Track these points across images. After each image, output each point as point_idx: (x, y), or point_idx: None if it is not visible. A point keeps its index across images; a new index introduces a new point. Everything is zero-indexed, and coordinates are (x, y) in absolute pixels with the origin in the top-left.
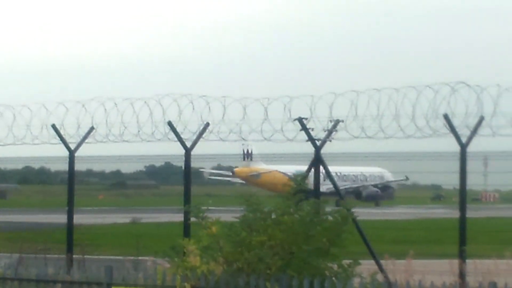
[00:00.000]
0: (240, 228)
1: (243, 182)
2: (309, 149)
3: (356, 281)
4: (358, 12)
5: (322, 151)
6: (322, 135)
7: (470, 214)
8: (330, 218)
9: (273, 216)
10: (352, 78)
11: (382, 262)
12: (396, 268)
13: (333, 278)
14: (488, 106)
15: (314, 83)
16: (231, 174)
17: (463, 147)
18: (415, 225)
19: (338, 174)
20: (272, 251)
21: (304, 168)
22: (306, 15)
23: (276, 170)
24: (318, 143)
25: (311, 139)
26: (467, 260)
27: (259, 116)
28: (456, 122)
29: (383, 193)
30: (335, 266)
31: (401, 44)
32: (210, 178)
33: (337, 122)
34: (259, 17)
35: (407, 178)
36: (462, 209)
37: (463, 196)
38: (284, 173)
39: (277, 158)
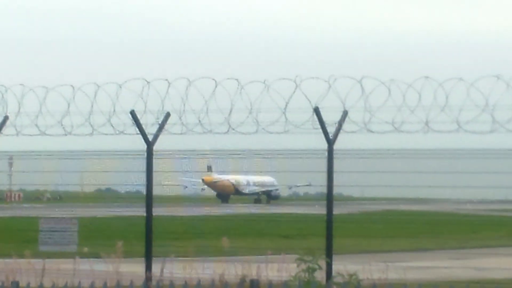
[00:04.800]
0: None
1: (208, 186)
2: None
3: None
4: None
5: None
6: None
7: None
8: None
9: None
10: None
11: None
12: None
13: None
14: (13, 106)
15: None
16: (201, 181)
17: None
18: None
19: (253, 181)
20: None
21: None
22: None
23: (227, 179)
24: None
25: None
26: None
27: None
28: None
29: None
30: None
31: None
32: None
33: None
34: None
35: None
36: None
37: None
38: (229, 181)
39: None
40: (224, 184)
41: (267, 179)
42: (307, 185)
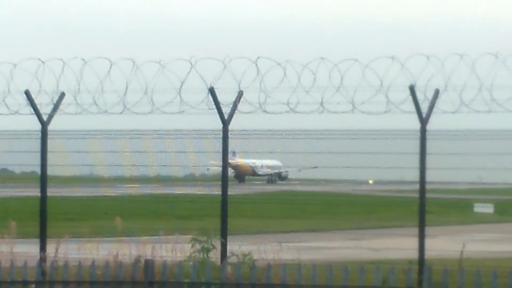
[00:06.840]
0: None
1: (232, 169)
2: None
3: None
4: None
5: None
6: None
7: None
8: None
9: None
10: None
11: None
12: None
13: None
14: None
15: None
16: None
17: None
18: None
19: (266, 165)
20: None
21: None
22: None
23: (246, 163)
24: None
25: None
26: None
27: None
28: None
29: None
30: None
31: None
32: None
33: None
34: None
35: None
36: None
37: None
38: (248, 164)
39: None
40: (245, 167)
41: (275, 162)
42: (314, 167)
